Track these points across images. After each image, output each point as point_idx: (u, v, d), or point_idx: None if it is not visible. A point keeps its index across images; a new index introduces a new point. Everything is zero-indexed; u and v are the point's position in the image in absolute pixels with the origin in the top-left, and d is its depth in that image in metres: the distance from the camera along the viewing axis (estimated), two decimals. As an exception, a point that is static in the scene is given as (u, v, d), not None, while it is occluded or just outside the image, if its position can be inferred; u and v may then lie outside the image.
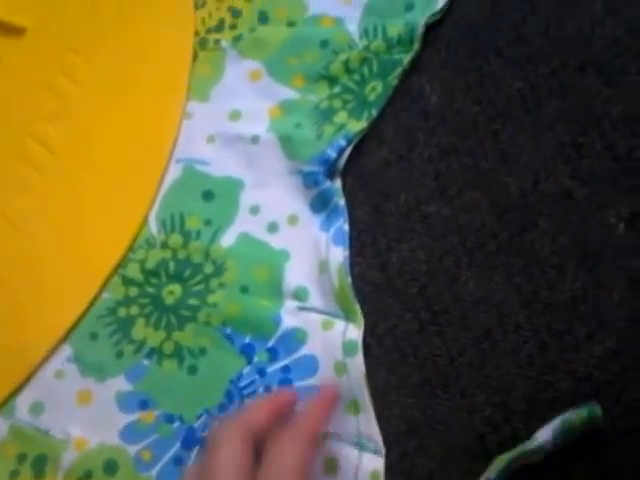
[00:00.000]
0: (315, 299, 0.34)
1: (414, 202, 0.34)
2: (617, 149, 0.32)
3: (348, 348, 0.32)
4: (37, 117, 0.39)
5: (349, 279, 0.34)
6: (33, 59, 0.40)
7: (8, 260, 0.37)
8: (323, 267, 0.34)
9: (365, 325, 0.33)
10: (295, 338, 0.34)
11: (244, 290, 0.35)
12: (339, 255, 0.34)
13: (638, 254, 0.30)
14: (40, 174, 0.38)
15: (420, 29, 0.35)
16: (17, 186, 0.38)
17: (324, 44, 0.37)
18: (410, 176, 0.35)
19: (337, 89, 0.36)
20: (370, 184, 0.35)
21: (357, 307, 0.33)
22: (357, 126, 0.35)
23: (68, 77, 0.39)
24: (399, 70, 0.35)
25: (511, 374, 0.31)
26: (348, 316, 0.33)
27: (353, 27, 0.37)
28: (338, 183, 0.36)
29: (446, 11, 0.36)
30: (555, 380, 0.30)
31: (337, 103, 0.36)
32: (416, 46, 0.35)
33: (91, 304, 0.36)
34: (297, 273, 0.35)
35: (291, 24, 0.38)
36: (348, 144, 0.35)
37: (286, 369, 0.33)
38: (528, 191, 0.33)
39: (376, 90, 0.35)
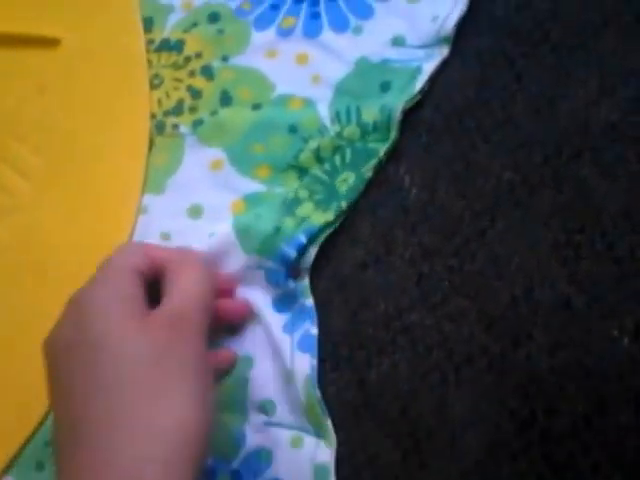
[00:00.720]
0: (282, 413, 0.34)
1: (395, 310, 0.34)
2: (618, 249, 0.32)
3: (319, 473, 0.32)
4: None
5: (318, 393, 0.33)
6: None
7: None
8: (289, 377, 0.33)
9: (342, 453, 0.32)
10: (260, 459, 0.33)
11: None
12: (305, 365, 0.33)
13: (645, 373, 0.30)
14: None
15: (398, 116, 0.35)
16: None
17: (293, 129, 0.37)
18: (389, 280, 0.34)
19: (306, 179, 0.35)
20: (346, 289, 0.35)
21: (328, 423, 0.32)
22: (321, 218, 0.35)
23: (16, 170, 0.39)
24: (374, 161, 0.35)
25: (505, 515, 0.29)
26: (319, 433, 0.33)
27: (324, 109, 0.37)
28: (305, 281, 0.35)
29: (427, 93, 0.37)
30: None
31: (303, 193, 0.36)
32: (393, 135, 0.35)
33: (38, 428, 0.35)
34: (262, 383, 0.34)
35: (256, 106, 0.38)
36: (311, 241, 0.35)
37: None
38: (521, 298, 0.32)
39: (348, 182, 0.35)
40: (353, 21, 0.38)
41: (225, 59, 0.40)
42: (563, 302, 0.31)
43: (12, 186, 0.40)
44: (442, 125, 0.36)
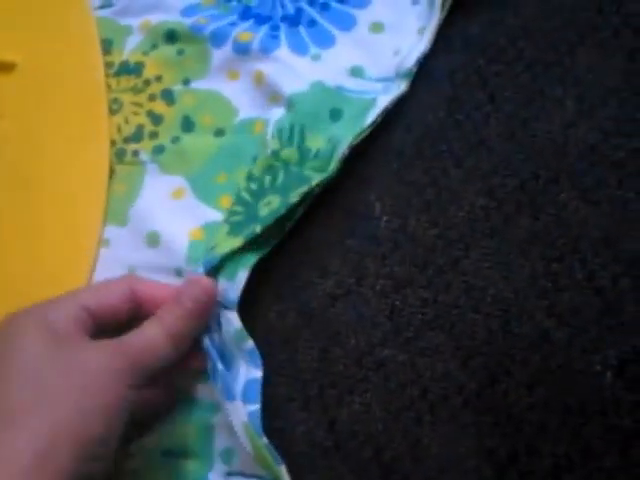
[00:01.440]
0: (243, 461, 0.32)
1: (366, 345, 0.33)
2: (600, 278, 0.30)
3: None
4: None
5: (263, 440, 0.31)
6: None
7: None
8: (232, 429, 0.32)
9: (313, 498, 0.30)
10: None
11: (166, 454, 0.33)
12: (241, 413, 0.31)
13: (630, 412, 0.28)
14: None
15: (344, 150, 0.33)
16: None
17: (256, 158, 0.34)
18: (360, 313, 0.33)
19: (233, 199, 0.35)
20: (315, 323, 0.34)
21: (282, 469, 0.30)
22: (227, 245, 0.32)
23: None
24: (304, 189, 0.33)
25: None
26: None
27: (271, 124, 0.35)
28: (237, 324, 0.33)
29: (397, 113, 0.35)
30: None
31: (225, 214, 0.34)
32: (332, 167, 0.33)
33: None
34: (224, 430, 0.33)
35: (219, 132, 0.37)
36: (214, 270, 0.33)
37: None
38: (498, 332, 0.31)
39: (270, 205, 0.33)
40: (313, 48, 0.37)
41: (186, 82, 0.39)
42: (542, 335, 0.30)
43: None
44: (413, 150, 0.34)
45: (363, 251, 0.33)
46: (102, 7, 0.41)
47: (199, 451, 0.33)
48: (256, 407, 0.32)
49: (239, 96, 0.37)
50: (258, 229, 0.32)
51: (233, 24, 0.38)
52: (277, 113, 0.36)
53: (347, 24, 0.38)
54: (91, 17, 0.40)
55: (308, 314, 0.33)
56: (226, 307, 0.32)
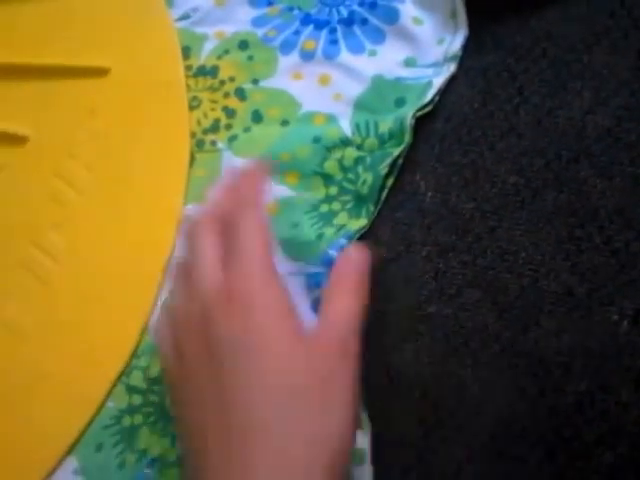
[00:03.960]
0: None
1: (415, 302, 0.34)
2: (615, 242, 0.32)
3: (356, 457, 0.33)
4: (40, 226, 0.40)
5: None
6: (35, 167, 0.41)
7: (9, 371, 0.38)
8: None
9: (371, 431, 0.33)
10: None
11: None
12: None
13: (643, 354, 0.30)
14: (43, 284, 0.39)
15: (410, 121, 0.36)
16: (19, 296, 0.39)
17: (316, 140, 0.37)
18: (409, 275, 0.35)
19: (334, 190, 0.37)
20: (371, 283, 0.35)
21: (362, 413, 0.33)
22: (357, 224, 0.36)
23: (70, 185, 0.41)
24: (388, 160, 0.36)
25: (520, 483, 0.30)
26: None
27: (346, 124, 0.38)
28: None
29: (438, 106, 0.37)
30: (566, 489, 0.30)
31: (336, 206, 0.37)
32: (407, 138, 0.36)
33: (96, 414, 0.36)
34: None
35: (285, 122, 0.39)
36: (349, 242, 0.35)
37: None
38: (528, 289, 0.33)
39: (367, 183, 0.36)
40: (368, 45, 0.39)
41: (255, 82, 0.41)
42: (567, 291, 0.32)
43: (65, 198, 0.41)
44: (452, 136, 0.36)
45: (410, 222, 0.35)
46: (181, 19, 0.44)
47: None
48: None
49: (303, 93, 0.40)
50: (372, 207, 0.36)
51: (297, 32, 0.41)
52: (345, 111, 0.38)
53: (392, 17, 0.40)
54: (172, 27, 0.43)
55: None
56: None
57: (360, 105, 0.38)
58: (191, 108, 0.41)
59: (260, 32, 0.42)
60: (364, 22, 0.40)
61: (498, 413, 0.32)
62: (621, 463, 0.29)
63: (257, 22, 0.42)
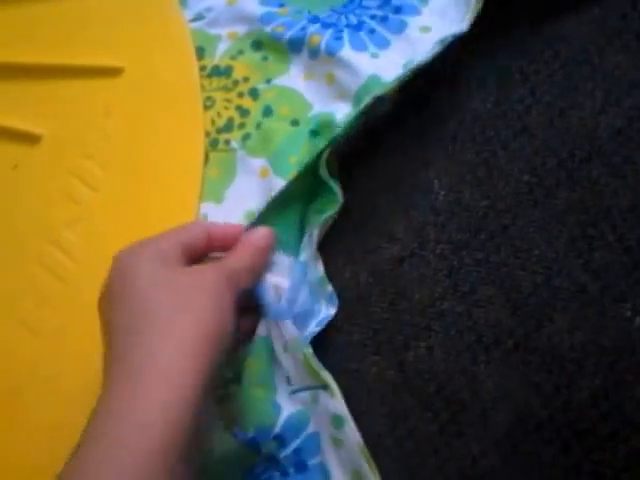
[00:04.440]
0: (296, 379, 0.35)
1: (429, 299, 0.35)
2: (627, 240, 0.32)
3: (337, 422, 0.33)
4: (56, 223, 0.40)
5: (309, 350, 0.34)
6: (49, 165, 0.41)
7: (26, 367, 0.37)
8: (285, 347, 0.35)
9: (385, 426, 0.33)
10: (300, 419, 0.35)
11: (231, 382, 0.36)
12: (292, 331, 0.34)
13: (656, 349, 0.30)
14: (59, 281, 0.39)
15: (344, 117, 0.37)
16: (36, 293, 0.39)
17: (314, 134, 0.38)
18: (423, 273, 0.35)
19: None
20: (384, 281, 0.36)
21: (327, 375, 0.34)
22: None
23: (84, 183, 0.41)
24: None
25: (535, 477, 0.30)
26: (325, 386, 0.34)
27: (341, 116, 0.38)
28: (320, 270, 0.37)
29: (451, 108, 0.37)
30: (581, 483, 0.30)
31: None
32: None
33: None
34: (282, 359, 0.36)
35: (294, 122, 0.39)
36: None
37: (298, 451, 0.35)
38: (542, 286, 0.33)
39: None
40: (371, 47, 0.39)
41: (268, 81, 0.41)
42: (580, 288, 0.32)
43: (80, 196, 0.41)
44: (465, 135, 0.37)
45: (424, 220, 0.36)
46: (195, 20, 0.44)
47: (265, 379, 0.35)
48: (317, 329, 0.35)
49: (313, 93, 0.40)
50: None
51: (304, 28, 0.40)
52: (343, 108, 0.38)
53: (400, 28, 0.39)
54: (186, 28, 0.43)
55: (378, 273, 0.36)
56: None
57: (356, 103, 0.37)
58: (205, 108, 0.41)
59: (268, 28, 0.41)
60: (372, 31, 0.40)
61: (513, 408, 0.32)
62: (635, 457, 0.30)
63: (265, 18, 0.42)
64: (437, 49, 0.36)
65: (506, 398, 0.32)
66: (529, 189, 0.35)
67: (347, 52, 0.38)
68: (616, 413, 0.30)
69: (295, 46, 0.41)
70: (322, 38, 0.39)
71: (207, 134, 0.41)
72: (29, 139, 0.42)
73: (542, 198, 0.34)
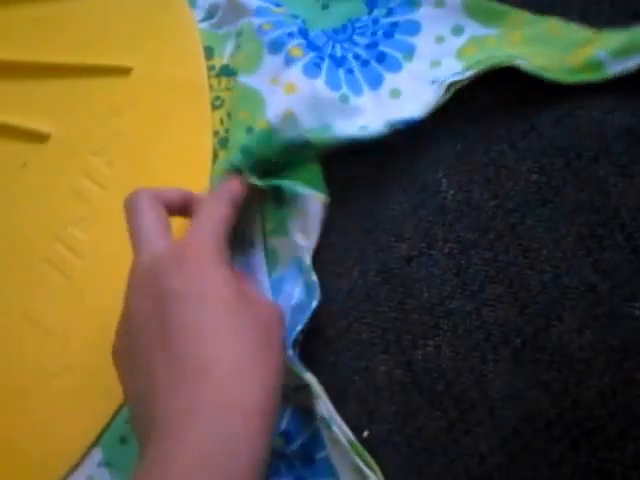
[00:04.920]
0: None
1: (437, 298, 0.35)
2: (636, 239, 0.32)
3: (325, 423, 0.34)
4: (64, 221, 0.40)
5: (289, 352, 0.34)
6: (57, 163, 0.42)
7: (34, 363, 0.37)
8: None
9: (394, 424, 0.33)
10: (304, 416, 0.35)
11: None
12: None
13: (665, 348, 0.30)
14: (67, 278, 0.39)
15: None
16: (44, 290, 0.39)
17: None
18: (432, 272, 0.35)
19: None
20: (393, 280, 0.36)
21: (310, 377, 0.34)
22: None
23: (93, 181, 0.41)
24: None
25: (543, 475, 0.30)
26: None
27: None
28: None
29: (461, 108, 0.37)
30: (590, 481, 0.30)
31: None
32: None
33: (120, 407, 0.36)
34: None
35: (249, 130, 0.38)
36: None
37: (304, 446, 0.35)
38: (550, 285, 0.33)
39: None
40: (344, 88, 0.38)
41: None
42: (589, 287, 0.32)
43: (89, 195, 0.41)
44: (474, 134, 0.37)
45: (433, 220, 0.35)
46: (203, 20, 0.44)
47: None
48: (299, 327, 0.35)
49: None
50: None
51: (291, 35, 0.39)
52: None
53: (375, 84, 0.38)
54: (195, 28, 0.43)
55: (387, 272, 0.36)
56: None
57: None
58: (214, 107, 0.41)
59: (257, 22, 0.40)
60: (350, 72, 0.38)
61: (521, 407, 0.32)
62: (644, 456, 0.30)
63: (259, 12, 0.40)
64: (385, 131, 0.36)
65: (515, 397, 0.32)
66: (537, 188, 0.34)
67: (319, 84, 0.37)
68: (625, 412, 0.30)
69: (273, 47, 0.39)
70: (302, 56, 0.38)
71: (216, 133, 0.41)
72: (38, 138, 0.42)
73: (551, 197, 0.34)
